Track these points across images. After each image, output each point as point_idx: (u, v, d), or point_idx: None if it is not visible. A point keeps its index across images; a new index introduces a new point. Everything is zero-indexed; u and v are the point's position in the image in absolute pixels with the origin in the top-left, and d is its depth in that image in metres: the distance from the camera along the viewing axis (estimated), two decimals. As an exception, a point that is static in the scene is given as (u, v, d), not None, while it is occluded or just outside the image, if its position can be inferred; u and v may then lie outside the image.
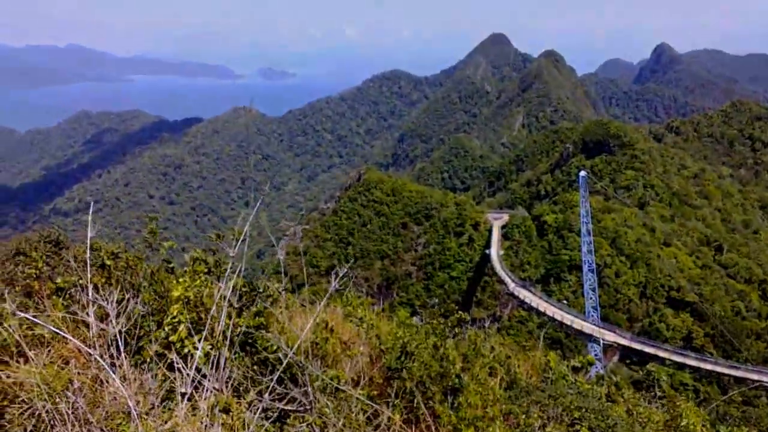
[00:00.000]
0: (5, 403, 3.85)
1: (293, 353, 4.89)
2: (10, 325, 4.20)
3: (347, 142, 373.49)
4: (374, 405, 5.60)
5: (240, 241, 5.42)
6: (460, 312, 8.00)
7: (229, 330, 4.97)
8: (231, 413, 4.11)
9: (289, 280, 7.06)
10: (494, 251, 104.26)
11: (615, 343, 72.43)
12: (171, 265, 6.31)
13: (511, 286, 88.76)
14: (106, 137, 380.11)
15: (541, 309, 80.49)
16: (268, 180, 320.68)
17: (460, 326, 7.85)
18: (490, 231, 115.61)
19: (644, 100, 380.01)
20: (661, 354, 68.86)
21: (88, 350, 4.24)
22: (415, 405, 5.99)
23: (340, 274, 5.74)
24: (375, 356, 6.23)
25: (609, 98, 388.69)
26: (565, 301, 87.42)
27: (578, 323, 74.75)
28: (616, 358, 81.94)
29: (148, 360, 4.91)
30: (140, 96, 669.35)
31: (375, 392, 6.13)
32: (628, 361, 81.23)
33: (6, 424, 3.79)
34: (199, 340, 4.98)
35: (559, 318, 76.29)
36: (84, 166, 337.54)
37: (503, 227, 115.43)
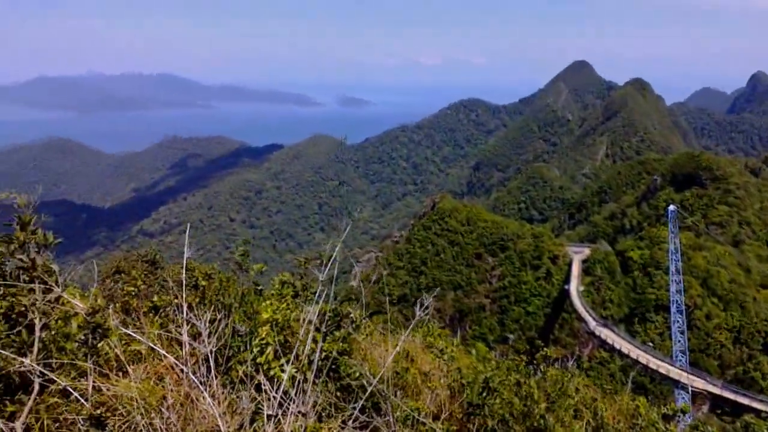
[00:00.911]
0: (107, 414, 4.02)
1: (376, 382, 4.86)
2: (111, 340, 4.41)
3: (422, 169, 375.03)
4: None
5: (328, 266, 5.48)
6: (545, 348, 7.72)
7: (315, 354, 5.01)
8: None
9: (363, 307, 7.07)
10: (574, 287, 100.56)
11: (705, 391, 67.71)
12: (259, 287, 6.48)
13: (592, 324, 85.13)
14: (191, 162, 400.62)
15: (625, 351, 76.57)
16: (344, 206, 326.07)
17: (545, 364, 7.57)
18: (569, 265, 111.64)
19: (739, 131, 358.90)
20: (757, 405, 63.64)
21: (182, 368, 4.38)
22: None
23: (425, 304, 5.68)
24: (456, 390, 6.10)
25: (700, 129, 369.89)
26: (650, 344, 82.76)
27: (665, 368, 70.46)
28: (705, 408, 76.38)
29: (237, 380, 5.02)
30: (224, 122, 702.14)
31: (455, 427, 5.98)
32: (719, 411, 75.49)
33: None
34: (286, 363, 5.05)
35: (643, 361, 72.28)
36: (170, 189, 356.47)
37: (584, 262, 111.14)
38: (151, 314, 5.36)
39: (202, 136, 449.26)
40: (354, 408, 4.76)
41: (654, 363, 71.31)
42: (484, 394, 5.80)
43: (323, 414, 4.80)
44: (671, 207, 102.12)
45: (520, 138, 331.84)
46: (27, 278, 4.43)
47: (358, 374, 5.14)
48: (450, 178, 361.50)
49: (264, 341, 4.97)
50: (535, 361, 7.42)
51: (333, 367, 5.33)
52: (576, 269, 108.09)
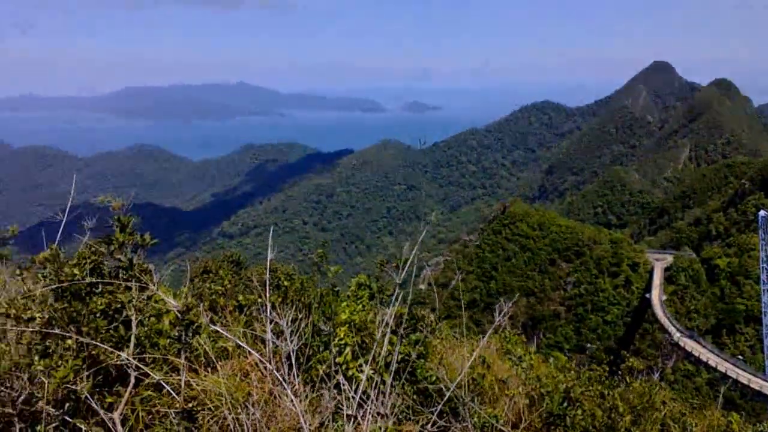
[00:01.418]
0: (198, 408, 4.21)
1: (454, 387, 4.84)
2: (202, 337, 4.63)
3: (491, 173, 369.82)
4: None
5: (404, 269, 5.51)
6: (631, 360, 7.43)
7: (391, 357, 5.05)
8: None
9: (433, 311, 7.04)
10: (656, 295, 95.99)
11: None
12: (337, 289, 6.60)
13: (676, 335, 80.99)
14: (267, 167, 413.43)
15: (712, 364, 72.32)
16: (411, 210, 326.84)
17: (630, 375, 7.28)
18: (650, 273, 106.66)
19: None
20: None
21: (268, 365, 4.52)
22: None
23: (504, 310, 5.60)
24: (535, 398, 5.97)
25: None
26: (740, 357, 77.76)
27: (756, 382, 65.94)
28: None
29: (317, 379, 5.13)
30: (298, 129, 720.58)
31: (532, 435, 5.85)
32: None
33: (197, 427, 4.15)
34: (364, 364, 5.12)
35: (733, 375, 67.94)
36: (247, 193, 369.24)
37: (666, 269, 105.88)
38: (236, 312, 5.57)
39: (278, 142, 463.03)
40: (431, 412, 4.76)
41: (745, 377, 66.92)
42: (565, 405, 5.64)
43: (401, 417, 4.83)
44: (762, 212, 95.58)
45: (596, 140, 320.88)
46: (125, 277, 4.71)
47: (435, 378, 5.13)
48: (521, 182, 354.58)
49: (342, 342, 5.06)
50: (619, 372, 7.15)
51: (410, 370, 5.35)
52: (658, 277, 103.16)
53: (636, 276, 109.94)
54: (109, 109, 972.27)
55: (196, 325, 4.51)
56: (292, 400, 4.34)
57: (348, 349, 5.01)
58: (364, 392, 4.81)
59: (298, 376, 4.88)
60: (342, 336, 5.07)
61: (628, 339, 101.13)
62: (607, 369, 7.43)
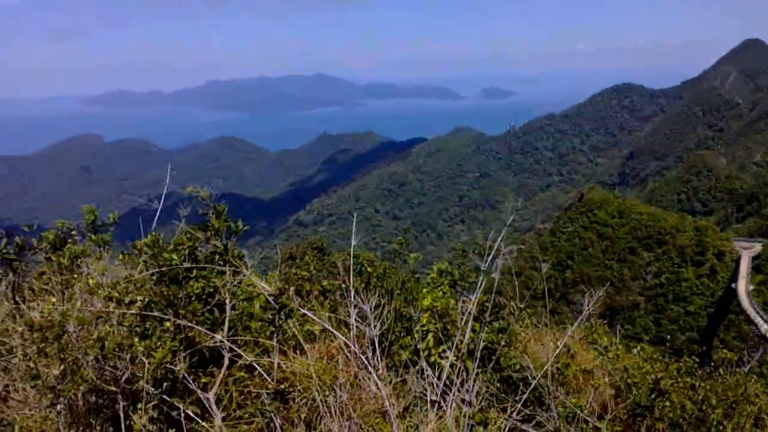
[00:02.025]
0: (290, 389, 4.37)
1: (540, 376, 4.76)
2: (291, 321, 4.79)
3: (568, 160, 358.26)
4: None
5: (490, 256, 5.46)
6: (724, 351, 7.06)
7: (474, 344, 5.03)
8: (489, 427, 4.12)
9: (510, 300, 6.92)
10: (742, 285, 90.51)
11: None
12: (417, 275, 6.64)
13: (764, 327, 76.24)
14: (342, 157, 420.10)
15: (804, 357, 67.63)
16: (484, 198, 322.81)
17: (720, 367, 6.91)
18: (737, 262, 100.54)
19: None
20: None
21: (354, 349, 4.62)
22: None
23: (594, 299, 5.45)
24: (621, 389, 5.78)
25: None
26: (840, 352, 72.32)
27: None
28: None
29: (398, 364, 5.20)
30: (373, 118, 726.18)
31: (618, 428, 5.68)
32: None
33: (287, 408, 4.31)
34: (445, 351, 5.13)
35: (832, 371, 63.26)
36: (322, 182, 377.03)
37: (754, 258, 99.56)
38: (321, 297, 5.72)
39: (352, 132, 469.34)
40: (516, 400, 4.71)
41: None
42: (653, 396, 5.44)
43: (484, 404, 4.81)
44: None
45: (681, 124, 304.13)
46: (219, 262, 4.94)
47: (519, 366, 5.07)
48: (599, 168, 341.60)
49: (425, 328, 5.09)
50: (712, 363, 6.81)
51: (492, 358, 5.31)
52: (745, 266, 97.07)
53: (721, 265, 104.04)
54: (194, 103, 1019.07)
55: (288, 308, 4.66)
56: (377, 384, 4.41)
57: (430, 335, 5.04)
58: (447, 379, 4.82)
59: (381, 360, 4.95)
60: (424, 322, 5.10)
61: (712, 330, 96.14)
62: (697, 360, 7.10)
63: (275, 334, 4.63)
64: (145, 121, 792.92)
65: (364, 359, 4.59)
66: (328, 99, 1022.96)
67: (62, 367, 4.00)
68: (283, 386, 4.33)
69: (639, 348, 7.61)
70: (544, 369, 4.88)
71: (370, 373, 4.53)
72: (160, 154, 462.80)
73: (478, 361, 5.10)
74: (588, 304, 5.35)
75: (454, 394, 4.68)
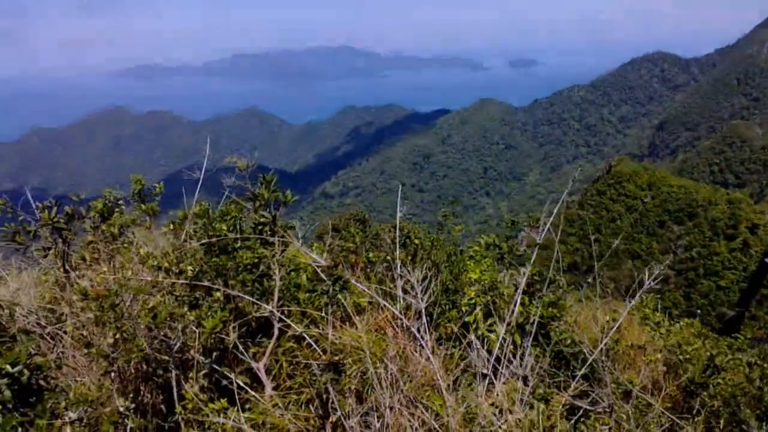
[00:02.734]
0: (342, 361, 4.34)
1: (597, 352, 4.65)
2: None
3: (596, 131, 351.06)
4: (673, 418, 5.08)
5: (544, 230, 5.33)
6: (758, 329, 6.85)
7: (524, 318, 4.94)
8: (550, 402, 4.05)
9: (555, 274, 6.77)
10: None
11: None
12: (460, 248, 6.54)
13: (799, 302, 74.78)
14: (366, 129, 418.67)
15: (841, 333, 66.30)
16: (510, 170, 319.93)
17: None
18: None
19: None
20: None
21: (405, 321, 4.56)
22: (720, 426, 5.29)
23: (655, 273, 5.29)
24: (674, 365, 5.65)
25: None
26: None
27: None
28: None
29: (445, 337, 5.14)
30: (397, 90, 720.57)
31: (668, 404, 5.57)
32: None
33: (337, 380, 4.29)
34: (493, 324, 5.04)
35: None
36: (347, 154, 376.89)
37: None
38: (367, 270, 5.66)
39: (376, 104, 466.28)
40: (569, 376, 4.62)
41: None
42: (708, 373, 5.30)
43: (537, 380, 4.73)
44: None
45: (715, 93, 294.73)
46: (269, 232, 4.90)
47: (570, 341, 4.97)
48: (628, 139, 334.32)
49: (473, 301, 5.00)
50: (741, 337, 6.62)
51: (543, 332, 5.21)
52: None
53: (755, 239, 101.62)
54: (220, 75, 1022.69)
55: (343, 281, 4.61)
56: (428, 357, 4.36)
57: (478, 308, 4.95)
58: (490, 352, 4.75)
59: (429, 333, 4.89)
60: (472, 295, 5.01)
61: (744, 305, 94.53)
62: (748, 336, 6.92)
63: (329, 306, 4.59)
64: (172, 93, 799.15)
65: (414, 331, 4.53)
66: (352, 70, 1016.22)
67: (117, 336, 4.01)
68: (337, 358, 4.30)
69: (686, 323, 7.44)
70: (602, 345, 4.76)
71: (421, 345, 4.47)
72: (187, 126, 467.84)
73: (524, 335, 5.01)
74: (648, 278, 5.19)
75: (503, 367, 4.61)
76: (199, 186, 6.41)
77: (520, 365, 4.50)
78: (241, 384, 4.37)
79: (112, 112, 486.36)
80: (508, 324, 4.97)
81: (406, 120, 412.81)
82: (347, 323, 4.75)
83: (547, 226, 5.45)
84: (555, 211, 5.42)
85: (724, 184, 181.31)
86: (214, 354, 4.59)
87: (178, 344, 4.32)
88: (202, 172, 6.39)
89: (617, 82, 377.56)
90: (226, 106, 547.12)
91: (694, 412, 5.36)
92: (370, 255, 5.61)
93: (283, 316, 4.55)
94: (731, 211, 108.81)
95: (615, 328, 5.61)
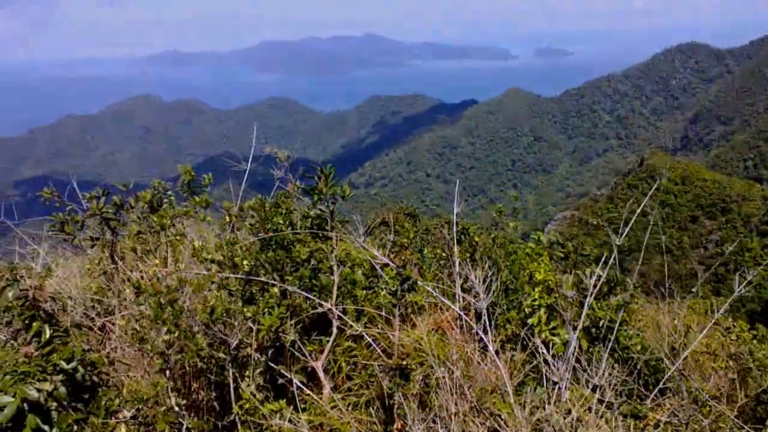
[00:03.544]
0: (407, 364, 4.14)
1: (679, 363, 4.37)
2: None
3: (627, 123, 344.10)
4: (745, 427, 4.78)
5: (626, 231, 5.04)
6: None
7: (591, 321, 4.68)
8: (642, 418, 3.79)
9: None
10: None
11: None
12: (518, 246, 6.27)
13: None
14: (392, 119, 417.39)
15: None
16: (538, 162, 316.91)
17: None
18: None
19: None
20: None
21: (470, 322, 4.34)
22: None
23: (747, 278, 4.97)
24: (744, 372, 5.34)
25: None
26: None
27: None
28: None
29: (505, 339, 4.90)
30: (422, 80, 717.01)
31: (735, 414, 5.25)
32: None
33: (399, 384, 4.09)
34: (557, 327, 4.79)
35: None
36: (373, 145, 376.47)
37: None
38: (422, 267, 5.44)
39: (402, 94, 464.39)
40: (641, 384, 4.36)
41: None
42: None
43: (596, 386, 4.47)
44: None
45: (750, 85, 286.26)
46: (327, 227, 4.70)
47: (640, 347, 4.69)
48: (660, 132, 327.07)
49: (536, 303, 4.75)
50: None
51: (610, 336, 4.93)
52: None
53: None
54: (247, 63, 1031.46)
55: (412, 281, 4.38)
56: (493, 360, 4.14)
57: (542, 310, 4.70)
58: (558, 357, 4.50)
59: (491, 335, 4.65)
60: (536, 297, 4.76)
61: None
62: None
63: (397, 307, 4.37)
64: (200, 82, 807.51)
65: (480, 333, 4.30)
66: (378, 59, 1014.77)
67: (176, 334, 3.86)
68: (405, 362, 4.09)
69: (750, 328, 7.06)
70: (684, 355, 4.47)
71: (484, 348, 4.25)
72: (215, 114, 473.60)
73: (594, 340, 4.75)
74: (739, 285, 4.87)
75: (569, 373, 4.36)
76: (246, 177, 6.26)
77: (590, 371, 4.23)
78: (299, 383, 4.21)
79: (141, 99, 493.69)
80: (574, 327, 4.70)
81: (432, 110, 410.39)
82: (407, 323, 4.54)
83: (630, 224, 5.14)
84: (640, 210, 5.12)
85: (759, 179, 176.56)
86: (270, 351, 4.43)
87: (236, 342, 4.16)
88: (249, 162, 6.23)
89: (650, 73, 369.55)
90: (253, 94, 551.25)
91: (767, 422, 5.05)
92: (425, 251, 5.38)
93: (341, 314, 4.36)
94: (766, 207, 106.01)
95: (681, 332, 5.32)
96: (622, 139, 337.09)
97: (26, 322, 3.86)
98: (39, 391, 3.32)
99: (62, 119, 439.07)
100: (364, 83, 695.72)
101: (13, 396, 3.15)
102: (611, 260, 4.88)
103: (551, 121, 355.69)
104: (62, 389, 3.64)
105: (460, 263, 4.91)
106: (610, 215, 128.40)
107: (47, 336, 3.86)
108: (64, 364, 3.68)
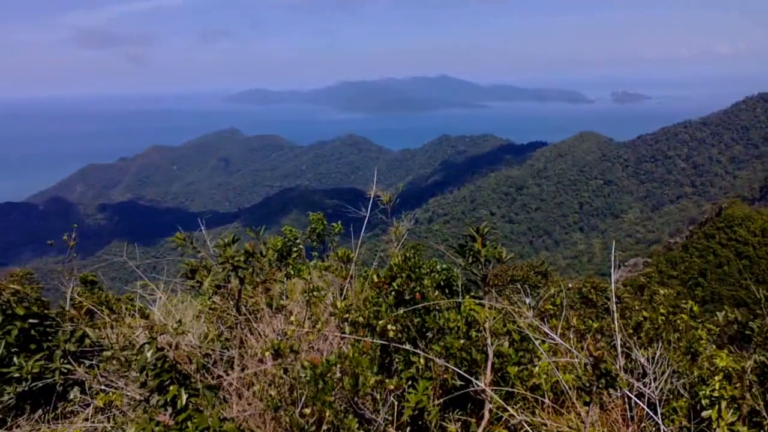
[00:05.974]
0: None
1: None
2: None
3: (703, 170, 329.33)
4: None
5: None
6: None
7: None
8: None
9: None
10: None
11: None
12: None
13: None
14: (459, 158, 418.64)
15: None
16: (607, 206, 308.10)
17: None
18: None
19: None
20: None
21: (651, 414, 3.71)
22: None
23: None
24: None
25: None
26: None
27: None
28: None
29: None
30: (493, 121, 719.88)
31: None
32: None
33: None
34: (735, 423, 4.07)
35: None
36: (439, 182, 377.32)
37: None
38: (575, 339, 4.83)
39: (472, 134, 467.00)
40: None
41: None
42: None
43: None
44: None
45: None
46: (480, 292, 4.23)
47: None
48: (738, 181, 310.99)
49: (716, 393, 4.06)
50: None
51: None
52: None
53: None
54: (326, 102, 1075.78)
55: (611, 375, 3.74)
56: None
57: (724, 403, 4.00)
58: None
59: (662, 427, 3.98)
60: (716, 387, 4.07)
61: None
62: None
63: (590, 405, 3.78)
64: (281, 119, 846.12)
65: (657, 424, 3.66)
66: (451, 100, 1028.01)
67: (327, 413, 3.43)
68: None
69: None
70: None
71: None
72: (291, 150, 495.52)
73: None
74: None
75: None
76: (364, 224, 5.91)
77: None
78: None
79: (223, 133, 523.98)
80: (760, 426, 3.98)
81: (499, 150, 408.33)
82: (563, 406, 3.95)
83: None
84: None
85: None
86: (408, 430, 3.93)
87: (383, 422, 3.68)
88: (367, 210, 5.88)
89: (729, 121, 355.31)
90: (329, 132, 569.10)
91: None
92: (574, 321, 4.77)
93: (496, 396, 3.80)
94: None
95: None
96: (697, 186, 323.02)
97: (162, 383, 3.55)
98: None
99: (150, 149, 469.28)
100: (437, 122, 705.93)
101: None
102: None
103: (623, 165, 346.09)
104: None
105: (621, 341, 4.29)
106: (684, 265, 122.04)
107: (183, 402, 3.54)
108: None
